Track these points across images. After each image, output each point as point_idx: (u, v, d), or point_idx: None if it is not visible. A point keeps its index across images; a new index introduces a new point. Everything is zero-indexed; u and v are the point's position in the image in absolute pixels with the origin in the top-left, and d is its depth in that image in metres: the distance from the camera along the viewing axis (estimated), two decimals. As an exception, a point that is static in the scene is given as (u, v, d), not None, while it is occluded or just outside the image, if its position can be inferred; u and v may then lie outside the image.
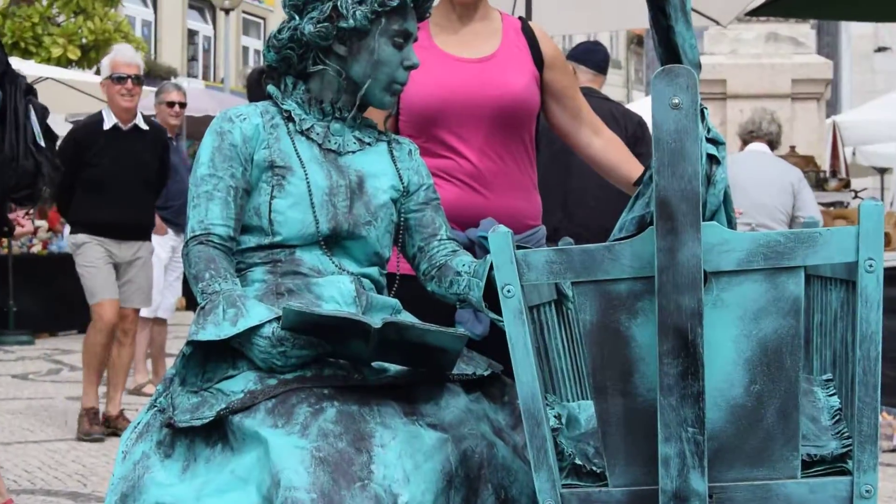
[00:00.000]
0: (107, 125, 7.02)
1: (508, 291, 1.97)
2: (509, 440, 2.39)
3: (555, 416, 2.16)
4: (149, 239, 7.31)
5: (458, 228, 3.10)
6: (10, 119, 4.34)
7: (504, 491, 2.29)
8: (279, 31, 2.65)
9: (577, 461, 2.03)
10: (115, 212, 6.99)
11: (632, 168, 3.41)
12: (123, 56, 7.07)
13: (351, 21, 2.56)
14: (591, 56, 6.19)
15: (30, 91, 4.48)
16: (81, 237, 6.97)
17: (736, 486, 1.94)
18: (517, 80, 3.23)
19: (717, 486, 1.93)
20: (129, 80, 6.96)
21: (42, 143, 4.47)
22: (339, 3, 2.57)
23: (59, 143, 6.09)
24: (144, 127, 7.18)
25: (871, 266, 1.89)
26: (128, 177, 7.04)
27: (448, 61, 3.24)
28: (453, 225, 3.05)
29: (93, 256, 6.94)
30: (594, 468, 2.02)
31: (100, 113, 7.14)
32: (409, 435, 2.20)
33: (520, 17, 3.44)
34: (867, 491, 1.94)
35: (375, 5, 2.57)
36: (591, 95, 5.90)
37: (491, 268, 2.41)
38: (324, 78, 2.64)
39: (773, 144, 7.57)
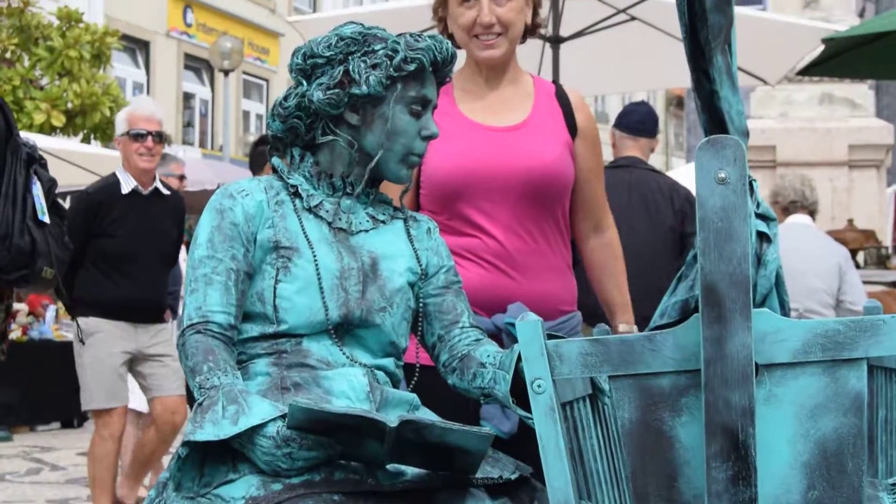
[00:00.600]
0: (125, 189, 6.63)
1: (539, 386, 1.97)
2: (540, 552, 2.37)
3: (591, 525, 2.14)
4: (166, 321, 7.03)
5: (484, 314, 3.11)
6: (7, 192, 4.34)
7: None
8: (285, 97, 2.67)
9: (617, 576, 2.02)
10: (134, 290, 6.60)
11: (607, 284, 3.46)
12: (142, 109, 6.73)
13: (364, 87, 2.59)
14: (625, 118, 6.04)
15: (33, 161, 4.48)
16: (93, 322, 6.53)
17: None
18: (550, 149, 3.25)
19: None
20: (150, 138, 6.59)
21: (45, 220, 4.46)
22: (351, 68, 2.60)
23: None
24: (165, 192, 6.83)
25: (941, 357, 1.88)
26: (147, 249, 6.68)
27: (474, 129, 3.26)
28: (478, 310, 3.06)
29: (105, 350, 6.51)
30: (635, 584, 2.00)
31: (114, 175, 6.77)
32: (429, 546, 2.19)
33: (554, 82, 3.46)
34: None
35: (391, 70, 2.60)
36: (636, 167, 5.81)
37: (519, 359, 2.41)
38: (334, 149, 2.66)
39: (813, 215, 7.55)
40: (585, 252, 3.46)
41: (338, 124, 2.64)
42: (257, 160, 6.91)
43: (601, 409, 2.54)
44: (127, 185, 6.64)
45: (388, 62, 2.59)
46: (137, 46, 26.12)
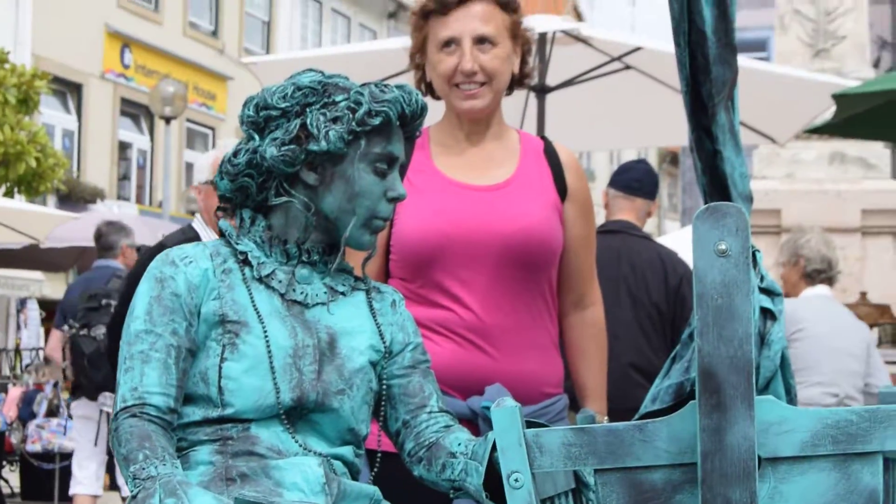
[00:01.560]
0: None
1: (516, 480, 1.96)
2: None
3: None
4: None
5: (458, 396, 3.11)
6: None
7: None
8: (235, 153, 2.66)
9: None
10: None
11: (581, 367, 3.47)
12: None
13: (323, 143, 2.59)
14: (621, 175, 5.98)
15: None
16: None
17: None
18: (535, 212, 3.26)
19: None
20: None
21: None
22: (308, 122, 2.60)
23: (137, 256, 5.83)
24: None
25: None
26: None
27: (451, 188, 3.27)
28: (451, 391, 3.05)
29: None
30: None
31: (191, 227, 6.45)
32: None
33: (542, 137, 3.47)
34: None
35: (353, 124, 2.60)
36: (628, 232, 5.76)
37: (494, 449, 2.40)
38: (288, 212, 2.66)
39: (832, 285, 7.44)
40: (563, 328, 3.45)
41: (293, 184, 2.64)
42: None
43: (586, 505, 2.54)
44: (208, 239, 6.07)
45: (351, 115, 2.59)
46: (68, 89, 26.08)
